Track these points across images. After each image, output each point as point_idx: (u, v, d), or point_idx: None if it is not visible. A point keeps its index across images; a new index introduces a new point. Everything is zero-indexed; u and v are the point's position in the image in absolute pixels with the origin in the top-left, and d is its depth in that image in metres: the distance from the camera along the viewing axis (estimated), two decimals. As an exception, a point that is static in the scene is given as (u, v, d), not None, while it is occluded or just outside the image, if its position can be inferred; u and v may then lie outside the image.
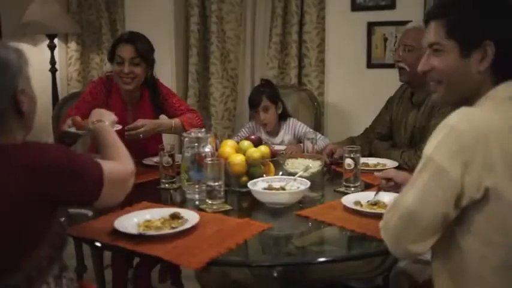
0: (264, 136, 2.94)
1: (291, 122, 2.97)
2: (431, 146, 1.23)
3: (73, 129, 2.06)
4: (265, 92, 2.90)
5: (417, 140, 2.42)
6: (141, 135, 2.44)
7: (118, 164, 1.46)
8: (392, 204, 1.30)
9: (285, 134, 2.95)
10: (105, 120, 1.71)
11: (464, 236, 1.23)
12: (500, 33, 1.29)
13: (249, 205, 1.89)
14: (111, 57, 2.57)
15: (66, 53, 4.19)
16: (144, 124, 2.45)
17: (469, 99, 1.34)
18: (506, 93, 1.29)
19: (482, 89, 1.32)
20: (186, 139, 1.97)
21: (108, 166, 1.39)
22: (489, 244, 1.21)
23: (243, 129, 3.06)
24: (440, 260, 1.31)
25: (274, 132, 2.97)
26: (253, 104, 2.90)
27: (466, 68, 1.32)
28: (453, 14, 1.35)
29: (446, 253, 1.28)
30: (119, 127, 2.02)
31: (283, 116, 2.98)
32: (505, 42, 1.29)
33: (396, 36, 3.36)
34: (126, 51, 2.51)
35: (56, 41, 3.85)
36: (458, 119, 1.21)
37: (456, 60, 1.33)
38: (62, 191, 1.27)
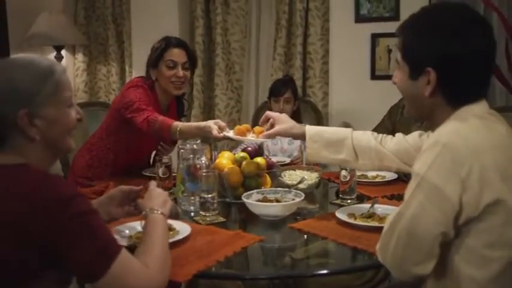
0: None
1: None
2: (424, 165, 1.18)
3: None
4: (291, 86, 3.06)
5: (418, 152, 2.39)
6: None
7: (144, 270, 1.18)
8: (388, 228, 1.25)
9: None
10: (164, 210, 1.43)
11: (454, 255, 1.20)
12: (441, 61, 1.25)
13: (244, 217, 1.87)
14: (156, 62, 2.48)
15: (74, 64, 4.24)
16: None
17: (429, 117, 1.33)
18: (478, 112, 1.25)
19: (439, 109, 1.29)
20: (182, 150, 1.97)
21: (132, 259, 1.17)
22: (480, 260, 1.18)
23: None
24: (433, 280, 1.27)
25: None
26: (278, 92, 3.01)
27: (417, 89, 1.30)
28: (404, 36, 1.33)
29: (438, 273, 1.24)
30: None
31: (297, 118, 3.01)
32: (445, 71, 1.25)
33: (400, 48, 3.35)
34: (179, 55, 2.47)
35: (63, 52, 3.90)
36: (450, 136, 1.18)
37: (406, 80, 1.33)
38: (64, 242, 1.07)
